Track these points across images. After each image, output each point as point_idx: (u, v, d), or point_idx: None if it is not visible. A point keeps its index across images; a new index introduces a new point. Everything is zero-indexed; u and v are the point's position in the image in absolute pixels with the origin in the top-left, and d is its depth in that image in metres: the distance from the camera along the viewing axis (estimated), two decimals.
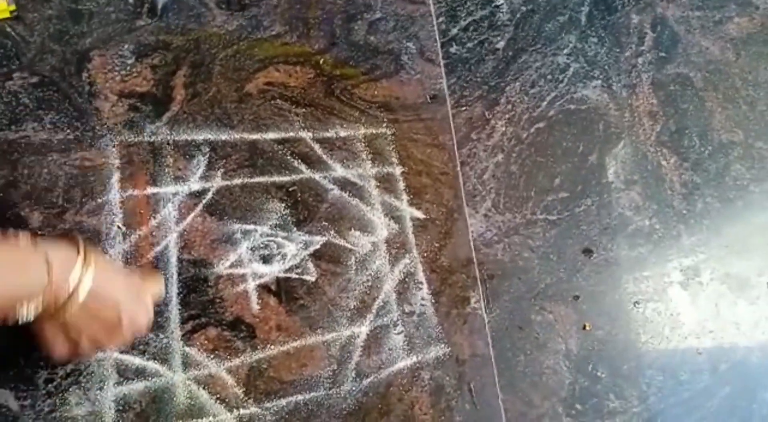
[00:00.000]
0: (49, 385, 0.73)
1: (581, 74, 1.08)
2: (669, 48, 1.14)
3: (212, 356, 0.79)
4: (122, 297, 0.63)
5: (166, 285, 0.81)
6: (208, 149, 0.88)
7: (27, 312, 0.55)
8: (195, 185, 0.86)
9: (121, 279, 0.65)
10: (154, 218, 0.83)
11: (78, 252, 0.58)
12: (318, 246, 0.88)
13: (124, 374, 0.76)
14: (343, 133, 0.94)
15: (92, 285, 0.57)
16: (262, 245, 0.86)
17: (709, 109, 1.11)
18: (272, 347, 0.81)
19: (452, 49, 1.04)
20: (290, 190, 0.89)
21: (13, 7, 0.88)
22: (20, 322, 0.55)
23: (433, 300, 0.89)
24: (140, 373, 0.76)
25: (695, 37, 1.17)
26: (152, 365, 0.77)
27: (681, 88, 1.12)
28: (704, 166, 1.07)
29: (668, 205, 1.03)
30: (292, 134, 0.92)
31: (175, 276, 0.81)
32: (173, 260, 0.82)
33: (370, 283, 0.88)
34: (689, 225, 1.03)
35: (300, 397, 0.80)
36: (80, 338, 0.61)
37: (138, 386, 0.75)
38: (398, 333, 0.86)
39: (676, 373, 0.94)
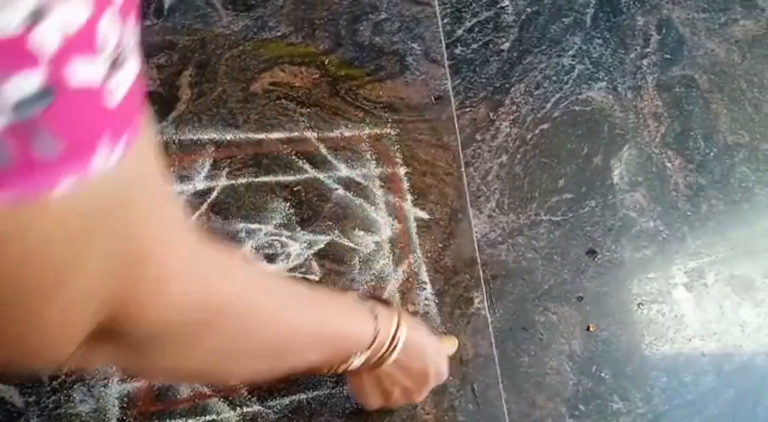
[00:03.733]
0: (54, 382, 0.74)
1: (586, 76, 1.08)
2: (674, 50, 1.14)
3: None
4: (429, 350, 0.66)
5: None
6: (213, 149, 0.89)
7: (357, 362, 0.58)
8: (200, 184, 0.87)
9: (426, 335, 0.68)
10: None
11: (392, 309, 0.62)
12: (322, 246, 0.88)
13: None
14: (347, 133, 0.94)
15: (406, 340, 0.60)
16: (266, 244, 0.86)
17: (714, 111, 1.11)
18: None
19: (457, 50, 1.04)
20: (295, 189, 0.90)
21: None
22: (342, 370, 0.59)
23: (436, 301, 0.89)
24: None
25: (701, 39, 1.17)
26: None
27: (686, 90, 1.12)
28: (709, 167, 1.07)
29: (673, 206, 1.03)
30: (297, 134, 0.93)
31: None
32: None
33: (373, 283, 0.88)
34: (694, 226, 1.02)
35: (303, 396, 0.80)
36: (393, 388, 0.65)
37: (142, 384, 0.76)
38: None
39: (680, 375, 0.93)
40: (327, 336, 0.54)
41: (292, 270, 0.86)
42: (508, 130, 1.01)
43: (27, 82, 0.19)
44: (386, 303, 0.66)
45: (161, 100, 0.89)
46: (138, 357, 0.39)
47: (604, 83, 1.09)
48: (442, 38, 1.04)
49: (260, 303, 0.46)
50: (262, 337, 0.48)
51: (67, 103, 0.21)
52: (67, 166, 0.22)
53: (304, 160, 0.91)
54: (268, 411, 0.78)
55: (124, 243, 0.29)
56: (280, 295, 0.49)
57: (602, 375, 0.91)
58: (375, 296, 0.84)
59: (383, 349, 0.58)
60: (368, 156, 0.94)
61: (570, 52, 1.09)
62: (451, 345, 0.82)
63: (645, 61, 1.12)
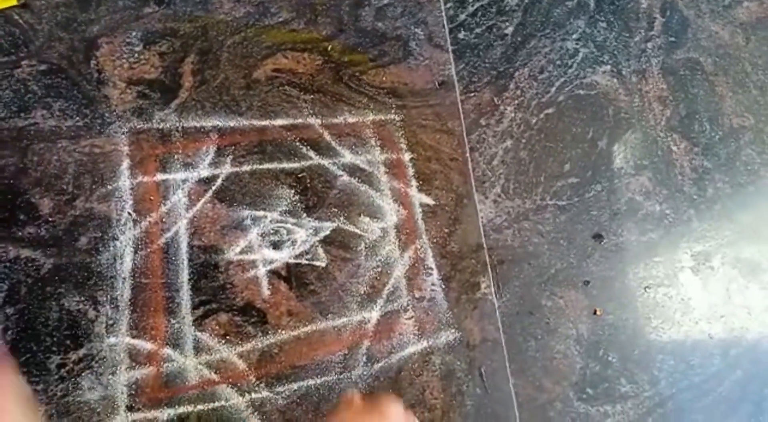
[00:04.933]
0: (62, 370, 0.74)
1: (590, 59, 1.07)
2: (679, 33, 1.13)
3: (223, 341, 0.79)
4: None
5: (177, 272, 0.81)
6: (216, 136, 0.88)
7: None
8: (204, 172, 0.86)
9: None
10: (164, 204, 0.83)
11: None
12: (328, 233, 0.87)
13: (136, 359, 0.76)
14: (351, 120, 0.94)
15: None
16: (272, 231, 0.86)
17: (719, 94, 1.11)
18: (283, 332, 0.81)
19: (460, 35, 1.04)
20: (299, 176, 0.89)
21: None
22: None
23: (443, 286, 0.89)
24: (152, 358, 0.76)
25: (705, 21, 1.16)
26: (164, 350, 0.77)
27: (691, 73, 1.11)
28: (715, 150, 1.06)
29: (679, 190, 1.02)
30: (300, 120, 0.92)
31: (185, 263, 0.81)
32: (184, 246, 0.82)
33: (380, 269, 0.87)
34: (700, 210, 1.02)
35: (311, 381, 0.80)
36: None
37: (150, 371, 0.76)
38: (408, 319, 0.86)
39: (687, 358, 0.93)
40: None
41: (298, 256, 0.85)
42: (513, 114, 1.01)
43: None
44: None
45: (164, 88, 0.88)
46: None
47: (609, 67, 1.08)
48: (445, 23, 1.03)
49: None
50: None
51: None
52: None
53: (309, 147, 0.91)
54: (277, 397, 0.78)
55: None
56: None
57: (609, 358, 0.91)
58: None
59: None
60: (373, 142, 0.93)
61: (574, 36, 1.08)
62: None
63: (649, 44, 1.11)
